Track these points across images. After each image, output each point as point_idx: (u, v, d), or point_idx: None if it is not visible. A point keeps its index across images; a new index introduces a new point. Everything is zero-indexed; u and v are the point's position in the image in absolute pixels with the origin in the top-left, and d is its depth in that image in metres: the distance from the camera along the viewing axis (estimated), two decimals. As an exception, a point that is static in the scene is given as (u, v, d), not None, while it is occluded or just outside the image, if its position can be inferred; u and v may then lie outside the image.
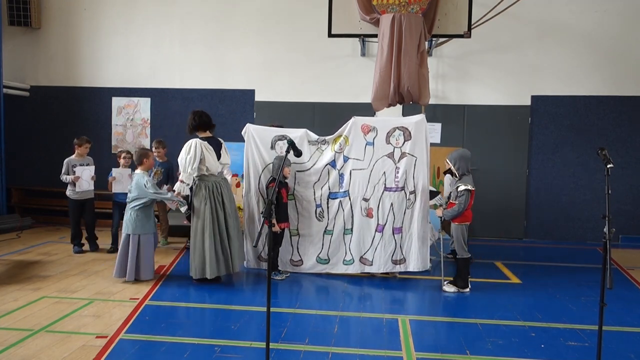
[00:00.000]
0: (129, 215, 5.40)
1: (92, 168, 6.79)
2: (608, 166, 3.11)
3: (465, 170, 5.24)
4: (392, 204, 5.73)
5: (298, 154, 3.45)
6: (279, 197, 5.57)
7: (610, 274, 2.83)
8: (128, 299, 4.80)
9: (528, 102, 8.45)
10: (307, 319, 4.43)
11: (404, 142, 5.71)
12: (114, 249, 6.60)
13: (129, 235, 5.37)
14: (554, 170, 8.46)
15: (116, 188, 6.56)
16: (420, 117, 5.77)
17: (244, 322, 4.30)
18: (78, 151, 6.75)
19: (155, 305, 4.68)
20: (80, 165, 6.69)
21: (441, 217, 5.42)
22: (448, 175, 5.79)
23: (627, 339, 4.09)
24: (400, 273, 5.88)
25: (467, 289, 5.30)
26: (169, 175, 7.05)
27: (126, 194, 5.77)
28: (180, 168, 5.26)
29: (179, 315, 4.53)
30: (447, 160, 5.40)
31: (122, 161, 6.66)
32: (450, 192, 5.39)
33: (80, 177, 6.63)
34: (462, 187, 5.13)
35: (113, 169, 6.66)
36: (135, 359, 3.53)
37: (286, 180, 5.72)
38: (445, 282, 5.38)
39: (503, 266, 6.54)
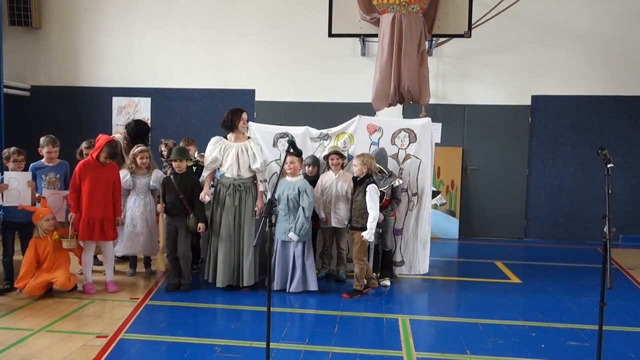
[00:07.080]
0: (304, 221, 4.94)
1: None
2: (608, 166, 3.11)
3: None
4: None
5: (298, 153, 3.47)
6: None
7: (611, 274, 2.83)
8: (128, 299, 4.81)
9: (528, 102, 8.44)
10: (307, 319, 4.43)
11: (409, 144, 5.72)
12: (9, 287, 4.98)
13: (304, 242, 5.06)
14: (554, 170, 8.45)
15: (9, 200, 4.81)
16: (427, 121, 5.79)
17: (244, 322, 4.30)
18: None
19: (155, 305, 4.68)
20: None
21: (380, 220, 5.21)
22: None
23: (627, 339, 4.09)
24: (400, 273, 5.88)
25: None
26: (65, 182, 5.31)
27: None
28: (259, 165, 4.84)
29: (179, 315, 4.52)
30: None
31: (11, 165, 4.98)
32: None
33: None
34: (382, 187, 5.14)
35: (5, 172, 4.95)
36: (135, 359, 3.53)
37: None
38: (380, 280, 5.38)
39: (503, 266, 6.54)
